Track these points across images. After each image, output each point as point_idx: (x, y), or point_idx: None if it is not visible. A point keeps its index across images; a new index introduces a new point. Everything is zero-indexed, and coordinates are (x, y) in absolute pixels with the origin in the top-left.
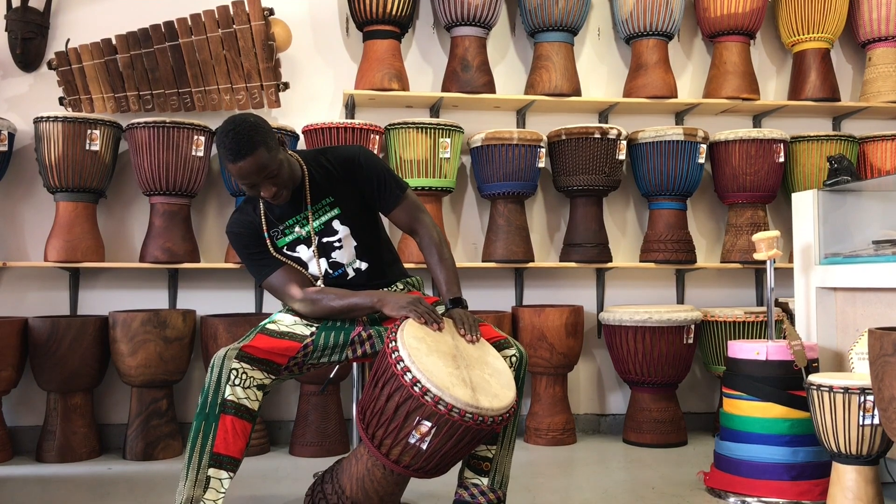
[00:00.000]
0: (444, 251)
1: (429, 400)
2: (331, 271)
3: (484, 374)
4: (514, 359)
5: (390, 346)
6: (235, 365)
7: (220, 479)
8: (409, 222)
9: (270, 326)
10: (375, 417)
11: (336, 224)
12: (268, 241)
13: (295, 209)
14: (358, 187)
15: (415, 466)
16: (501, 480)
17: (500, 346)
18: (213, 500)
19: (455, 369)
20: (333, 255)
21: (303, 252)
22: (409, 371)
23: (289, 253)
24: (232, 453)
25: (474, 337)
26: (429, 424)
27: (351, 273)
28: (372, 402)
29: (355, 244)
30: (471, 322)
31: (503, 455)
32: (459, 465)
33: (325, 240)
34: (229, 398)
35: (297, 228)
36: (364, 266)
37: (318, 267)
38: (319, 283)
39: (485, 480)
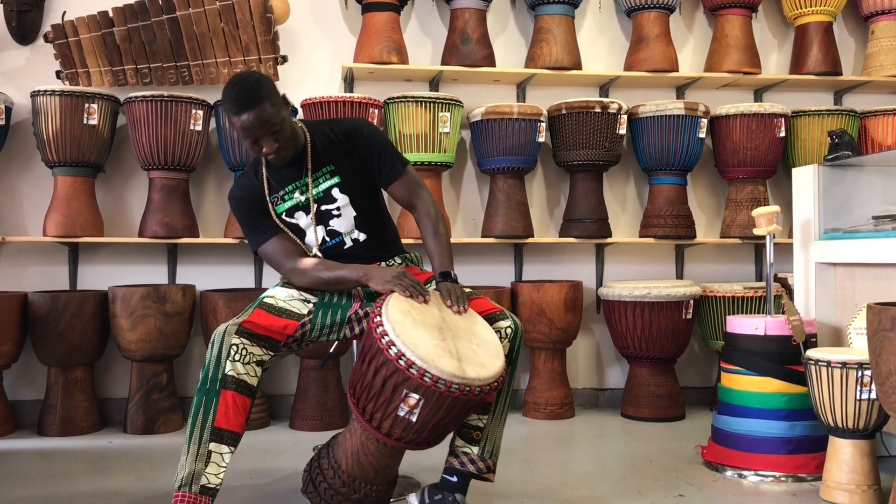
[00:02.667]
0: (440, 227)
1: (414, 373)
2: (328, 239)
3: (471, 345)
4: (508, 330)
5: (375, 320)
6: (235, 340)
7: (221, 454)
8: (408, 197)
9: (268, 300)
10: (365, 392)
11: (335, 192)
12: (269, 206)
13: (296, 175)
14: (359, 158)
15: (406, 439)
16: (492, 450)
17: (495, 317)
18: (215, 474)
19: (441, 341)
20: (332, 223)
21: (301, 219)
22: (394, 345)
23: (287, 219)
24: (233, 428)
25: (461, 308)
26: (416, 397)
27: (349, 242)
28: (361, 378)
29: (355, 214)
30: (458, 294)
31: (495, 425)
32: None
33: (323, 207)
34: (230, 373)
35: (296, 194)
36: (363, 237)
37: (315, 234)
38: (315, 250)
39: (475, 449)
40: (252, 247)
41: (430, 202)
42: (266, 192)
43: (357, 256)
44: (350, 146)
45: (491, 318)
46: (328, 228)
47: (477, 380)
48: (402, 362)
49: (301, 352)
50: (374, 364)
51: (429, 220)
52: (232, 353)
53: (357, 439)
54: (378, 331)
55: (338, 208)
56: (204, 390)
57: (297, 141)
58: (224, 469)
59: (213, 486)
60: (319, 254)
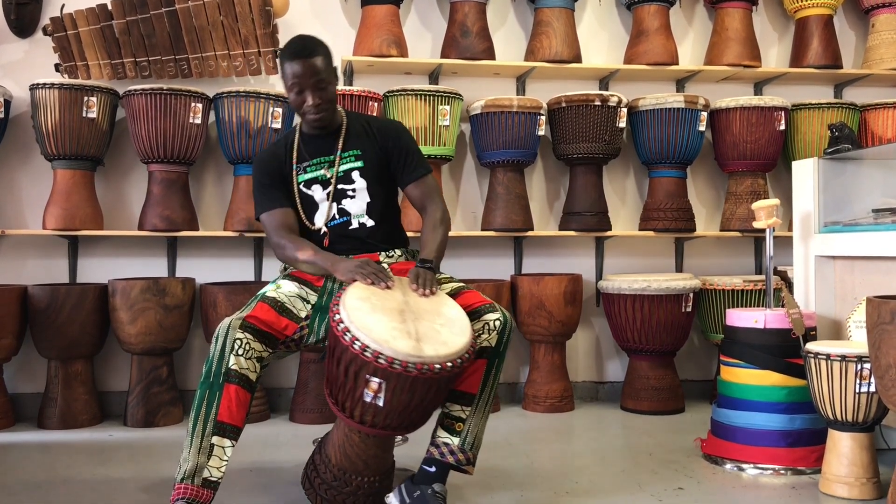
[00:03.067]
0: (440, 227)
1: (369, 356)
2: (337, 216)
3: (434, 325)
4: (497, 322)
5: (333, 309)
6: (239, 335)
7: (223, 447)
8: (422, 199)
9: (271, 294)
10: (334, 383)
11: (355, 174)
12: (292, 174)
13: (326, 150)
14: (386, 152)
15: (381, 424)
16: (473, 442)
17: (483, 310)
18: (217, 468)
19: (400, 323)
20: (344, 202)
21: (317, 192)
22: (349, 331)
23: (304, 189)
24: (235, 422)
25: (427, 291)
26: (377, 380)
27: (355, 224)
28: (330, 370)
29: (368, 200)
30: (426, 277)
31: (477, 417)
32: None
33: (340, 186)
34: (233, 367)
35: (322, 170)
36: (370, 223)
37: (327, 210)
38: (319, 224)
39: (455, 440)
40: (256, 211)
41: (441, 209)
42: (294, 159)
43: (360, 239)
44: (381, 140)
45: (479, 311)
46: (339, 207)
47: (436, 357)
48: (356, 346)
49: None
50: (337, 353)
51: (432, 220)
52: (235, 347)
53: (342, 431)
54: (335, 319)
55: (353, 190)
56: (207, 384)
57: (335, 114)
58: (226, 462)
59: (215, 479)
60: (325, 228)
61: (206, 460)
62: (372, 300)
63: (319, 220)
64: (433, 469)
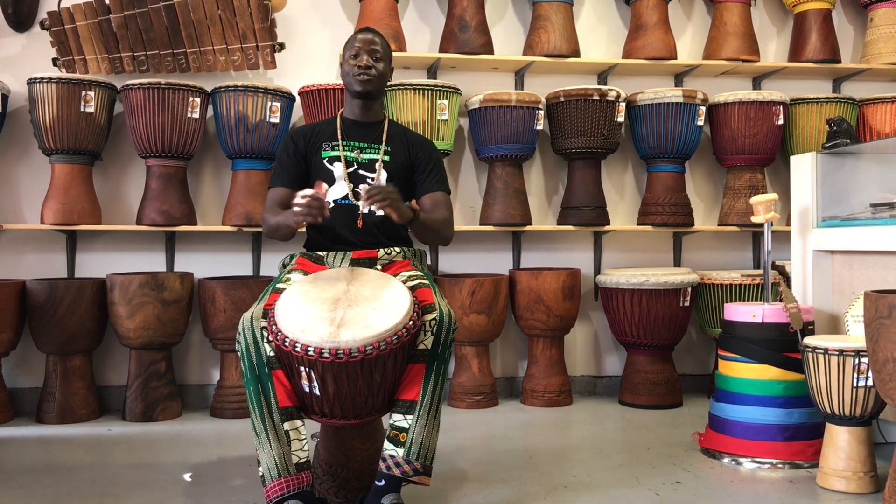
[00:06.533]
0: (442, 222)
1: (288, 345)
2: (351, 197)
3: (366, 310)
4: (432, 323)
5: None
6: (264, 323)
7: (296, 429)
8: (432, 210)
9: (281, 286)
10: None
11: (378, 166)
12: (320, 148)
13: (360, 137)
14: (414, 162)
15: (329, 414)
16: (419, 451)
17: (424, 310)
18: (301, 449)
19: (329, 312)
20: (361, 187)
21: (337, 169)
22: (276, 324)
23: (325, 164)
24: (294, 403)
25: (376, 206)
26: (304, 369)
27: (364, 210)
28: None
29: None
30: (380, 190)
31: (421, 425)
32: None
33: (362, 172)
34: (271, 354)
35: (350, 151)
36: (378, 213)
37: (343, 187)
38: (331, 196)
39: (400, 451)
40: (270, 182)
41: (447, 217)
42: (328, 137)
43: (366, 227)
44: (413, 149)
45: (422, 311)
46: (355, 190)
47: (352, 342)
48: (279, 337)
49: None
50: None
51: (440, 215)
52: (265, 335)
53: (320, 428)
54: (270, 313)
55: (373, 179)
56: (255, 379)
57: (379, 100)
58: (305, 440)
59: (304, 459)
60: (333, 203)
61: (288, 447)
62: (310, 292)
63: (332, 195)
64: (382, 483)
